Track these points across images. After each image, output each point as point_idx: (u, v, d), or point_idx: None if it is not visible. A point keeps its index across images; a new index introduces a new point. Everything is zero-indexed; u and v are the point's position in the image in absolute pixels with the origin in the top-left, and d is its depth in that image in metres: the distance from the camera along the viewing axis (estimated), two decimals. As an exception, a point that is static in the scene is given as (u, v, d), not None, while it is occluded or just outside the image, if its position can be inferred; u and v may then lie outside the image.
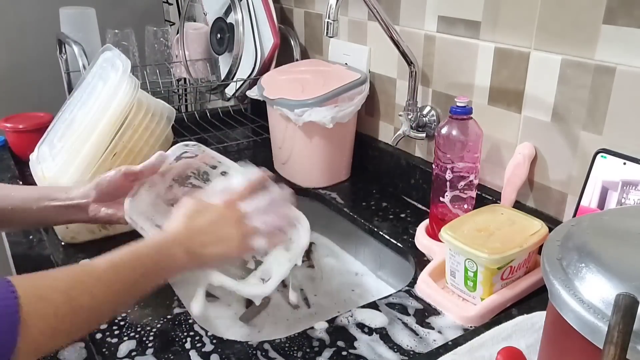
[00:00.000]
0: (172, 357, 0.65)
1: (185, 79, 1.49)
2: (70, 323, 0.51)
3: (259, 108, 1.30)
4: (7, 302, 0.46)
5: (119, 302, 0.58)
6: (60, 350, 0.64)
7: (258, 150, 1.30)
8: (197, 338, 0.68)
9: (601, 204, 0.72)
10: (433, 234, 0.86)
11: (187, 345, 0.67)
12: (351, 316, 0.72)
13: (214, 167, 0.82)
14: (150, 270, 0.60)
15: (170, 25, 1.77)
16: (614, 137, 0.73)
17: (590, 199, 0.73)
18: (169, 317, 0.72)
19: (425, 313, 0.73)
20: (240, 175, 0.77)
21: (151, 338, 0.68)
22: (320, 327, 0.70)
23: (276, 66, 1.26)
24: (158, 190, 0.78)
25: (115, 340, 0.68)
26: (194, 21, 1.59)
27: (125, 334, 0.69)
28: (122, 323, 0.71)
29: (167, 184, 0.79)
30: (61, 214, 0.74)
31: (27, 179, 1.03)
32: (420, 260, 0.85)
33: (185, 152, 0.80)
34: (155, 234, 0.68)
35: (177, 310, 0.73)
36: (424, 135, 1.00)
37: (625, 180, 0.69)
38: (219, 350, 0.66)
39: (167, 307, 0.74)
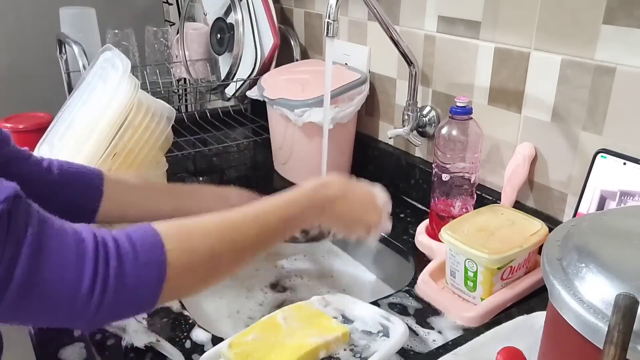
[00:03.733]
0: (172, 357, 0.65)
1: (185, 79, 1.49)
2: (210, 272, 0.54)
3: (259, 108, 1.30)
4: (156, 244, 0.49)
5: (250, 255, 0.59)
6: (61, 349, 0.64)
7: (258, 150, 1.30)
8: (197, 338, 0.68)
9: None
10: (433, 234, 0.86)
11: (187, 345, 0.67)
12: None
13: None
14: (283, 222, 0.61)
15: (170, 25, 1.76)
16: (614, 137, 0.73)
17: (588, 207, 0.73)
18: (169, 317, 0.72)
19: (425, 313, 0.73)
20: None
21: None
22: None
23: (276, 66, 1.26)
24: None
25: (115, 340, 0.68)
26: (194, 21, 1.59)
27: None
28: (122, 324, 0.71)
29: None
30: None
31: (27, 179, 1.03)
32: (420, 260, 0.85)
33: None
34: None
35: (177, 310, 0.73)
36: (420, 142, 1.00)
37: (623, 191, 0.70)
38: (219, 350, 0.66)
39: (167, 307, 0.74)
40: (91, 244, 0.46)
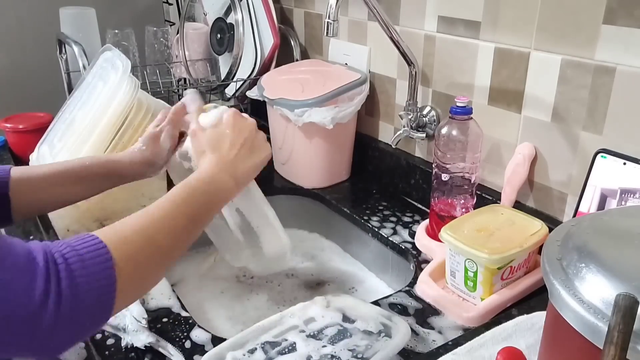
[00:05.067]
0: (172, 357, 0.65)
1: (185, 79, 1.49)
2: (154, 261, 0.54)
3: (259, 108, 1.30)
4: (99, 252, 0.48)
5: (185, 237, 0.60)
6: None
7: (258, 150, 1.30)
8: (197, 338, 0.68)
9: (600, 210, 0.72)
10: (433, 234, 0.86)
11: (187, 345, 0.67)
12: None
13: None
14: (205, 203, 0.63)
15: (170, 25, 1.76)
16: (614, 137, 0.73)
17: (589, 206, 0.73)
18: (169, 317, 0.72)
19: (425, 313, 0.73)
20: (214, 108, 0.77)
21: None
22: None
23: (276, 66, 1.26)
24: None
25: (115, 340, 0.68)
26: (194, 21, 1.59)
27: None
28: (122, 324, 0.71)
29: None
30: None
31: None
32: (421, 261, 0.85)
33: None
34: (195, 173, 0.67)
35: (176, 311, 0.74)
36: (424, 135, 1.00)
37: (623, 189, 0.70)
38: (219, 350, 0.66)
39: (167, 307, 0.74)
40: (42, 262, 0.45)
